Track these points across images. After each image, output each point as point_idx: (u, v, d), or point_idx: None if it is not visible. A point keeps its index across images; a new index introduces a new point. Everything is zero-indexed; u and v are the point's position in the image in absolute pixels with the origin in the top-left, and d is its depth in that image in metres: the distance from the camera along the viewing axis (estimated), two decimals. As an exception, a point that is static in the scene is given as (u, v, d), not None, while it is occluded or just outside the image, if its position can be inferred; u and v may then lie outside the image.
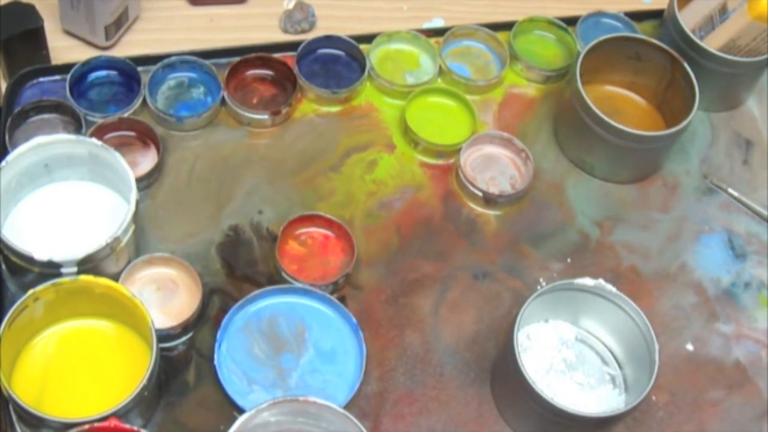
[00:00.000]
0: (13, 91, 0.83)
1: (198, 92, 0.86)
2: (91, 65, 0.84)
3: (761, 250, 0.86)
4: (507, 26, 0.93)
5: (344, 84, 0.88)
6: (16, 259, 0.69)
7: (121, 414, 0.63)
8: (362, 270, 0.79)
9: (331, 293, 0.77)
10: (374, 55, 0.90)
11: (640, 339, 0.73)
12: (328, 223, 0.80)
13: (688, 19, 0.81)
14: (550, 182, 0.87)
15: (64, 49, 0.89)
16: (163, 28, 0.92)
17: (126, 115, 0.82)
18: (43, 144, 0.72)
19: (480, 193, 0.83)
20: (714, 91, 0.90)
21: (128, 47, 0.90)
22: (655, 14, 0.98)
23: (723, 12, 0.66)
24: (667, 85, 0.88)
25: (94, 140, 0.73)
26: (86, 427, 0.62)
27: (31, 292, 0.66)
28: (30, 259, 0.68)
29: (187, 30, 0.93)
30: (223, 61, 0.87)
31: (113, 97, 0.85)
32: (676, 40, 0.88)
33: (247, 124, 0.85)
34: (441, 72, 0.90)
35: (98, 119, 0.81)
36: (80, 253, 0.68)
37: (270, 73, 0.88)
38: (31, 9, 0.83)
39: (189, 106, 0.85)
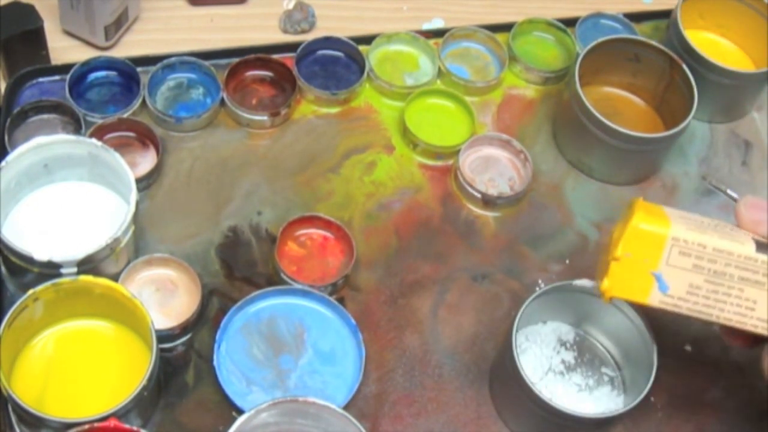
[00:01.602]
0: (13, 91, 0.83)
1: (197, 93, 0.86)
2: (90, 66, 0.84)
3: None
4: (506, 27, 0.93)
5: (343, 85, 0.88)
6: (16, 259, 0.69)
7: (121, 414, 0.63)
8: (361, 271, 0.79)
9: (330, 294, 0.77)
10: (373, 56, 0.90)
11: (638, 340, 0.73)
12: (327, 225, 0.80)
13: None
14: (548, 184, 0.87)
15: (64, 49, 0.89)
16: (163, 29, 0.92)
17: (125, 115, 0.82)
18: (42, 144, 0.72)
19: (479, 195, 0.84)
20: (717, 102, 0.90)
21: (128, 47, 0.90)
22: (655, 15, 0.98)
23: None
24: (666, 87, 0.89)
25: (93, 141, 0.73)
26: (86, 427, 0.62)
27: (30, 292, 0.66)
28: (30, 260, 0.68)
29: (187, 30, 0.93)
30: (223, 62, 0.87)
31: (112, 98, 0.85)
32: (677, 48, 0.88)
33: (246, 125, 0.85)
34: (440, 73, 0.90)
35: (98, 120, 0.81)
36: (80, 253, 0.68)
37: (269, 74, 0.88)
38: (31, 9, 0.83)
39: (188, 107, 0.85)
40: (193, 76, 0.87)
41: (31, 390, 0.67)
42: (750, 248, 0.62)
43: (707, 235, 0.62)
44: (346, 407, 0.70)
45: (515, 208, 0.85)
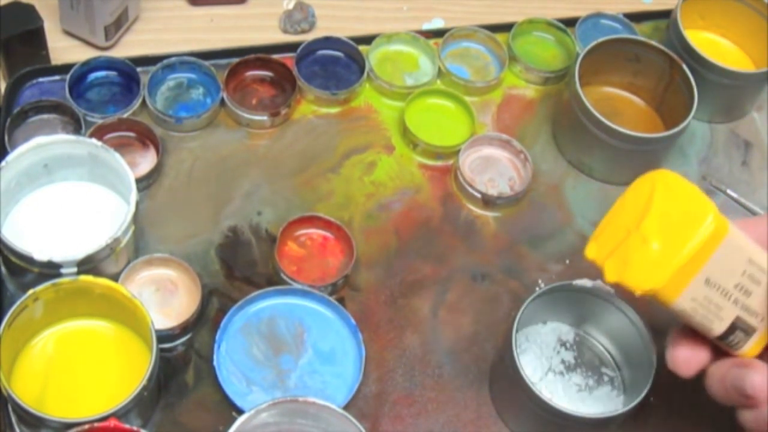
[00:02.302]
0: (13, 91, 0.83)
1: (197, 93, 0.86)
2: (90, 66, 0.84)
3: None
4: (506, 27, 0.93)
5: (343, 85, 0.88)
6: (16, 259, 0.69)
7: (121, 414, 0.63)
8: (361, 271, 0.79)
9: (330, 294, 0.77)
10: (373, 56, 0.90)
11: (638, 340, 0.73)
12: (327, 225, 0.80)
13: None
14: (548, 184, 0.87)
15: (64, 49, 0.89)
16: (163, 29, 0.92)
17: (125, 115, 0.82)
18: (42, 144, 0.72)
19: (479, 195, 0.84)
20: (717, 102, 0.90)
21: (128, 47, 0.90)
22: (655, 15, 0.98)
23: None
24: (666, 87, 0.89)
25: (93, 141, 0.73)
26: (86, 427, 0.62)
27: (30, 292, 0.66)
28: (30, 260, 0.68)
29: (187, 30, 0.93)
30: (223, 62, 0.87)
31: (112, 98, 0.85)
32: (677, 48, 0.88)
33: (246, 125, 0.85)
34: (440, 73, 0.90)
35: (98, 120, 0.81)
36: (80, 253, 0.68)
37: (269, 74, 0.88)
38: (31, 9, 0.83)
39: (188, 107, 0.85)
40: (193, 76, 0.87)
41: (31, 390, 0.67)
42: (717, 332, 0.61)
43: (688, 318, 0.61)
44: (346, 407, 0.70)
45: (515, 208, 0.85)
